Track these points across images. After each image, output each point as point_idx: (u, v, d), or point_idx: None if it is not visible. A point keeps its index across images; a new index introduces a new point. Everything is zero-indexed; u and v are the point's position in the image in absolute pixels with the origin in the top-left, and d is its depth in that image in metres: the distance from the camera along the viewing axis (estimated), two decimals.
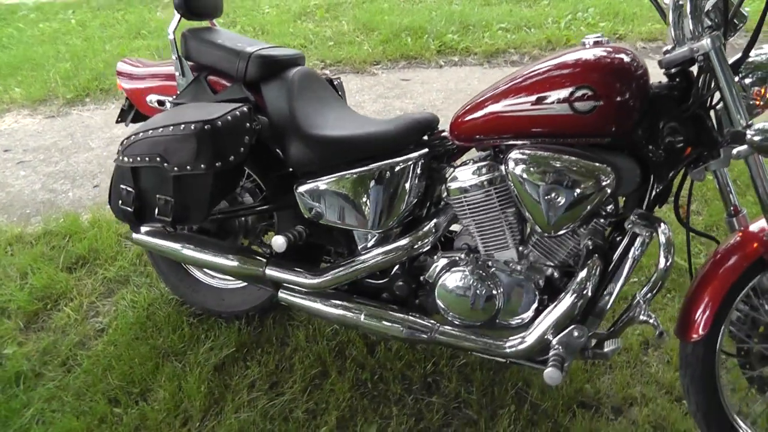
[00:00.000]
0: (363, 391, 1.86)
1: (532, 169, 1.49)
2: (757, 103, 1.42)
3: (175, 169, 1.58)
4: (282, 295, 1.81)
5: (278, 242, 1.73)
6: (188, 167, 1.56)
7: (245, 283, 2.06)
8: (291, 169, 1.85)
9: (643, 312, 1.47)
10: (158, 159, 1.58)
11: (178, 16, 1.78)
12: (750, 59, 1.40)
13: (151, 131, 1.60)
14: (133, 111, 1.98)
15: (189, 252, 1.84)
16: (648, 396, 1.83)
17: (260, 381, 1.89)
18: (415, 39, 4.14)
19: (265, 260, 1.79)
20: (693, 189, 1.68)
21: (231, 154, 1.58)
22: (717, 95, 1.41)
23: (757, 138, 1.29)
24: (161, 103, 1.85)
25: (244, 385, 1.88)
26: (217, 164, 1.56)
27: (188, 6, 1.76)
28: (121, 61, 1.98)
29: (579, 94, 1.41)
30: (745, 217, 1.53)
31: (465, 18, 4.40)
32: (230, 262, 1.81)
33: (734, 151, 1.39)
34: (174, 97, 1.81)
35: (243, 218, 1.97)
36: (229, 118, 1.56)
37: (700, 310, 1.52)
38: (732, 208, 1.53)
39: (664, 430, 1.74)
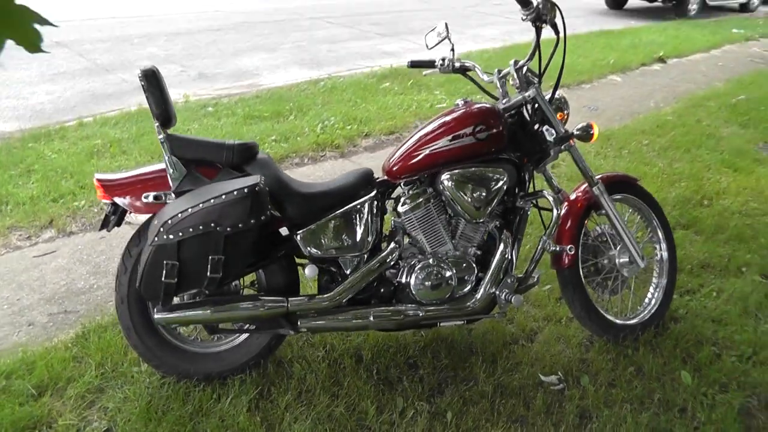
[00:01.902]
0: (374, 382, 2.38)
1: (459, 182, 2.32)
2: (561, 121, 2.49)
3: (228, 229, 1.99)
4: (302, 323, 2.26)
5: (309, 272, 2.23)
6: (240, 225, 1.99)
7: (241, 339, 2.41)
8: (271, 231, 2.34)
9: (550, 245, 2.39)
10: (212, 225, 1.97)
11: (157, 124, 2.18)
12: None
13: (201, 205, 1.97)
14: (116, 217, 2.24)
15: (219, 312, 2.18)
16: (541, 326, 2.74)
17: (293, 403, 2.26)
18: None
19: (284, 298, 2.24)
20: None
21: (266, 209, 2.06)
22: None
23: (578, 132, 2.36)
24: (157, 197, 2.19)
25: (282, 409, 2.23)
26: (262, 218, 2.03)
27: (165, 117, 2.18)
28: (97, 174, 2.24)
29: (478, 128, 2.31)
30: (565, 191, 2.58)
31: (239, 136, 5.04)
32: (258, 309, 2.20)
33: (562, 147, 2.44)
34: (174, 188, 2.17)
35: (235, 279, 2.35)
36: (262, 182, 2.06)
37: (565, 252, 2.49)
38: (556, 189, 2.57)
39: (562, 337, 2.66)
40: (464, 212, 2.34)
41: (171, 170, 2.19)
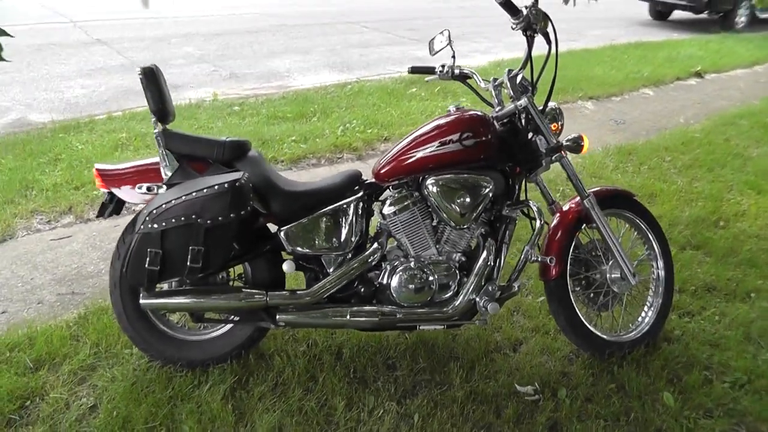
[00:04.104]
0: (349, 380, 2.42)
1: (444, 188, 2.33)
2: (555, 131, 2.48)
3: (208, 222, 2.06)
4: (281, 317, 2.31)
5: (287, 267, 2.28)
6: (220, 218, 2.06)
7: (225, 330, 2.48)
8: (258, 226, 2.40)
9: (532, 255, 2.38)
10: (193, 217, 2.05)
11: (154, 119, 2.28)
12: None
13: (183, 197, 2.05)
14: (112, 205, 2.35)
15: (200, 301, 2.25)
16: (527, 336, 2.73)
17: (268, 394, 2.32)
18: None
19: (264, 291, 2.30)
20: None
21: (248, 204, 2.13)
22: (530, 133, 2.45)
23: (567, 143, 2.35)
24: (150, 189, 2.28)
25: (255, 399, 2.29)
26: (242, 212, 2.10)
27: (162, 113, 2.27)
28: (97, 164, 2.35)
29: (465, 135, 2.31)
30: (559, 203, 2.57)
31: (260, 135, 5.16)
32: (237, 301, 2.27)
33: (553, 158, 2.42)
34: (165, 181, 2.26)
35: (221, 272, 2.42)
36: (245, 177, 2.13)
37: (553, 263, 2.47)
38: (550, 200, 2.55)
39: (548, 349, 2.64)
40: (448, 218, 2.35)
41: (164, 163, 2.28)
